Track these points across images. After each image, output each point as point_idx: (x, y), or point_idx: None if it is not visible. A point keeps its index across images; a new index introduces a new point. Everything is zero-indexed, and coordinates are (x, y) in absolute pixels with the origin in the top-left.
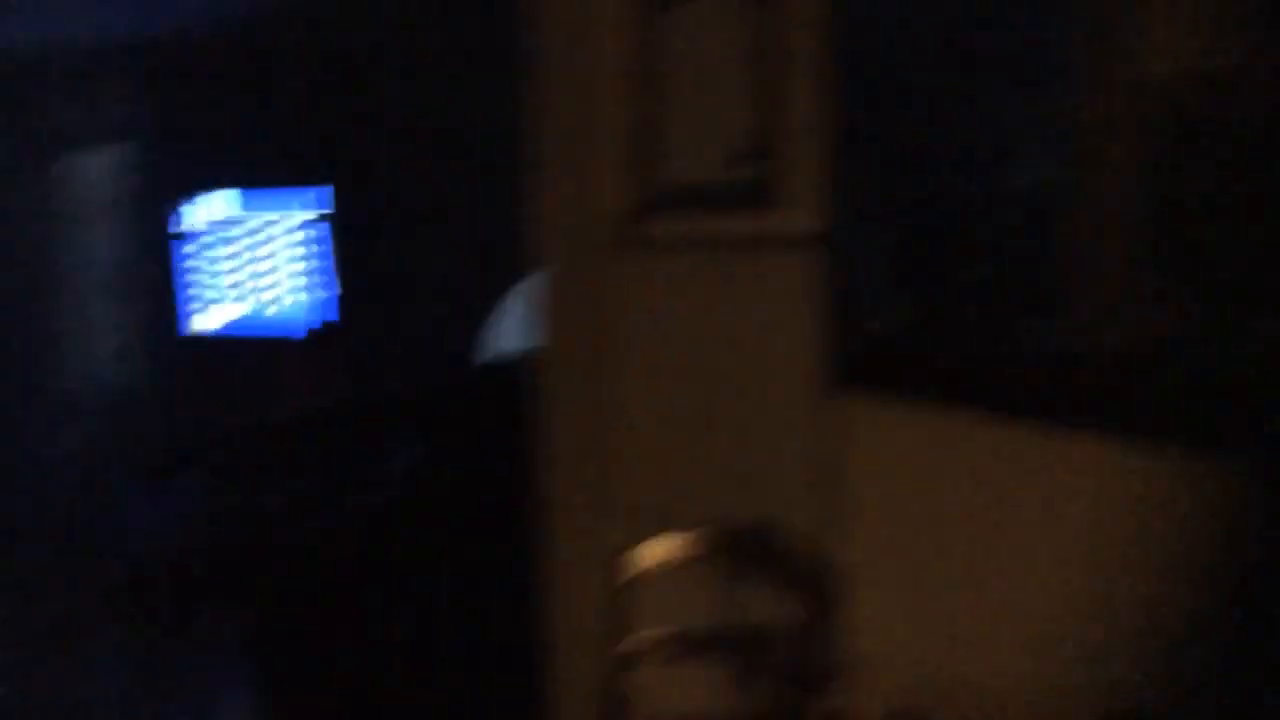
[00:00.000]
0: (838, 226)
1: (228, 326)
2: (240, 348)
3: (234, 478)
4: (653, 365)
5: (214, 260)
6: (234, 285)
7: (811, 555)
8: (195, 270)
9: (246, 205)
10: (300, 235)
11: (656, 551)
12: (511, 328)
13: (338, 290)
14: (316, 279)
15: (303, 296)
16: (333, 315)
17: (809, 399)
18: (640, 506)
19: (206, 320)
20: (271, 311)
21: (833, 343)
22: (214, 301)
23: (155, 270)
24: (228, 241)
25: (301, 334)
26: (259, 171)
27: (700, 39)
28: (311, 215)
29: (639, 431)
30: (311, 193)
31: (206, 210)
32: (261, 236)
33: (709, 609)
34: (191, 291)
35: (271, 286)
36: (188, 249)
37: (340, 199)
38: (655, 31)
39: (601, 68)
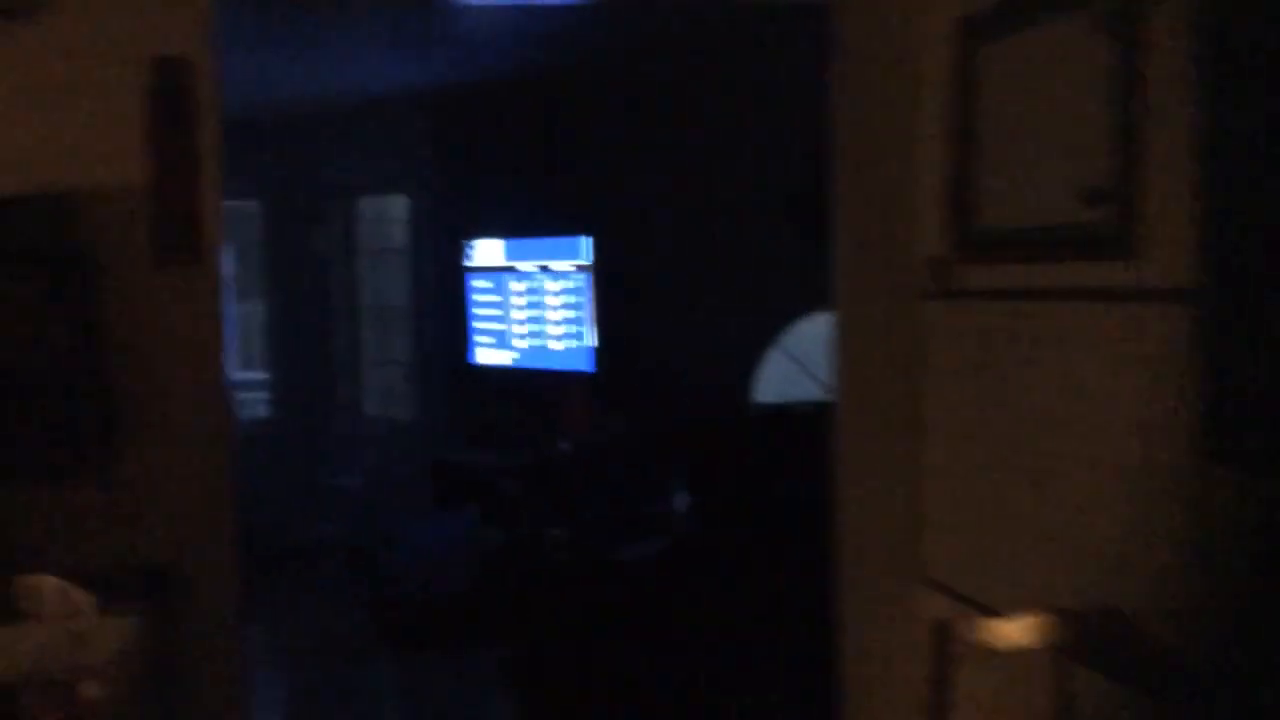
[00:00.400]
0: (1208, 280)
1: (510, 363)
2: (519, 383)
3: (516, 510)
4: (967, 422)
5: (494, 303)
6: (511, 324)
7: (1166, 654)
8: (477, 308)
9: (517, 253)
10: (570, 283)
11: (990, 632)
12: (778, 376)
13: (602, 334)
14: (586, 324)
15: (575, 340)
16: (603, 357)
17: (1166, 471)
18: (950, 576)
19: (490, 356)
20: (549, 349)
21: (1196, 409)
22: (493, 338)
23: (442, 305)
24: (502, 286)
25: (576, 372)
26: (529, 220)
27: (1034, 71)
28: (577, 264)
29: (950, 494)
30: (578, 241)
31: (483, 254)
32: (536, 283)
33: (1035, 702)
34: (476, 326)
35: (545, 329)
36: (473, 287)
37: (603, 248)
38: (978, 62)
39: (917, 105)
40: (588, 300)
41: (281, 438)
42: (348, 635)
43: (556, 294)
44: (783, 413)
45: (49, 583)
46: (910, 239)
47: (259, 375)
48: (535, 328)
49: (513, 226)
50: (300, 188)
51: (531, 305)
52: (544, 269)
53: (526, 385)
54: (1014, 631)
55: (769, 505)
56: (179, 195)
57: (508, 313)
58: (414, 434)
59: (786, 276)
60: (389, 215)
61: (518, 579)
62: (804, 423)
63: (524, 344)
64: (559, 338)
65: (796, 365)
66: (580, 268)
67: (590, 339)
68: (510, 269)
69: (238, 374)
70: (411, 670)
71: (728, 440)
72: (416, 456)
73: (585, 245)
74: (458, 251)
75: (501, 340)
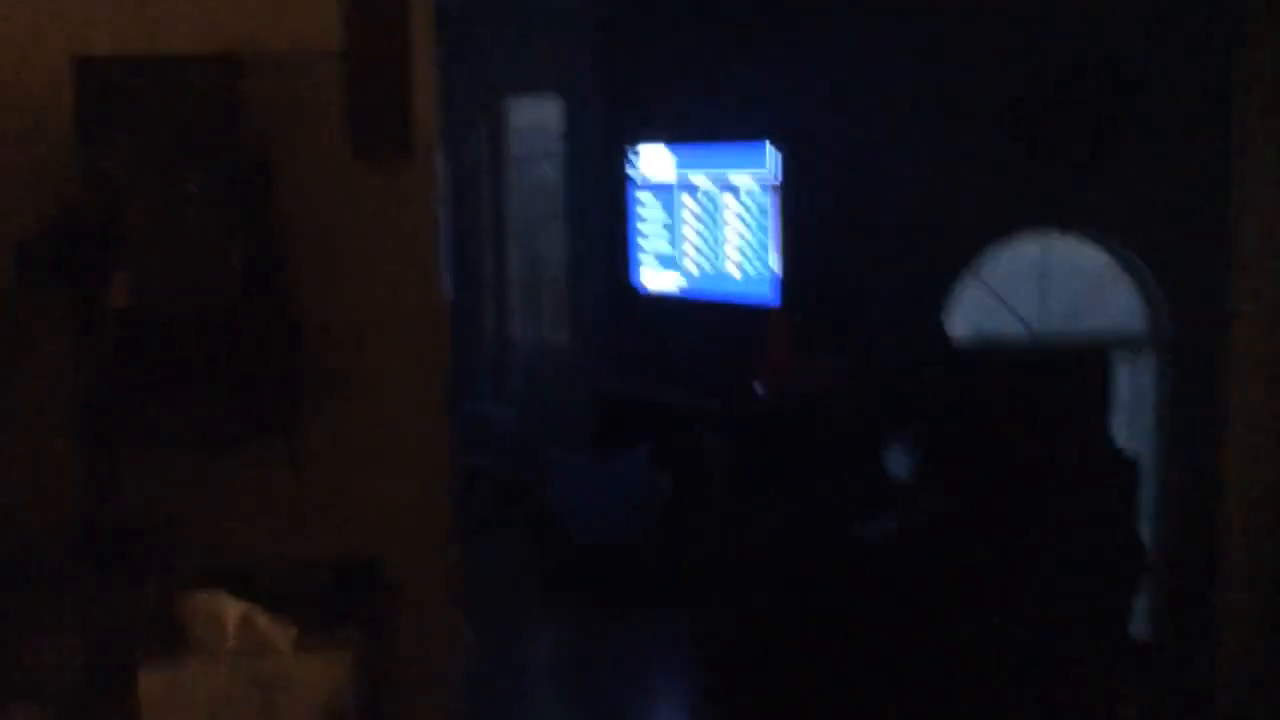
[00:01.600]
0: None
1: (679, 289)
2: (691, 313)
3: (697, 458)
4: None
5: (660, 220)
6: (682, 246)
7: None
8: (644, 226)
9: (690, 162)
10: (753, 202)
11: None
12: (972, 310)
13: (788, 261)
14: (769, 248)
15: (756, 266)
16: (789, 287)
17: None
18: None
19: (656, 279)
20: (725, 274)
21: None
22: (663, 260)
23: (605, 220)
24: (671, 202)
25: (757, 305)
26: (707, 127)
27: None
28: (761, 177)
29: None
30: (762, 150)
31: (650, 163)
32: (711, 200)
33: None
34: (642, 245)
35: (723, 252)
36: (639, 202)
37: (793, 159)
38: None
39: None
40: (772, 220)
41: None
42: (509, 585)
43: (736, 212)
44: (1004, 356)
45: (231, 609)
46: None
47: None
48: (709, 250)
49: (685, 131)
50: (442, 87)
51: (705, 223)
52: (722, 182)
53: (705, 316)
54: None
55: (1024, 470)
56: (385, 67)
57: (677, 231)
58: (569, 362)
59: (992, 197)
60: (541, 118)
61: (708, 539)
62: (1032, 368)
63: (695, 268)
64: (737, 263)
65: (996, 299)
66: (764, 182)
67: (774, 266)
68: (681, 181)
69: None
70: (586, 630)
71: (961, 391)
72: (572, 388)
73: (771, 156)
74: (620, 159)
75: (669, 262)
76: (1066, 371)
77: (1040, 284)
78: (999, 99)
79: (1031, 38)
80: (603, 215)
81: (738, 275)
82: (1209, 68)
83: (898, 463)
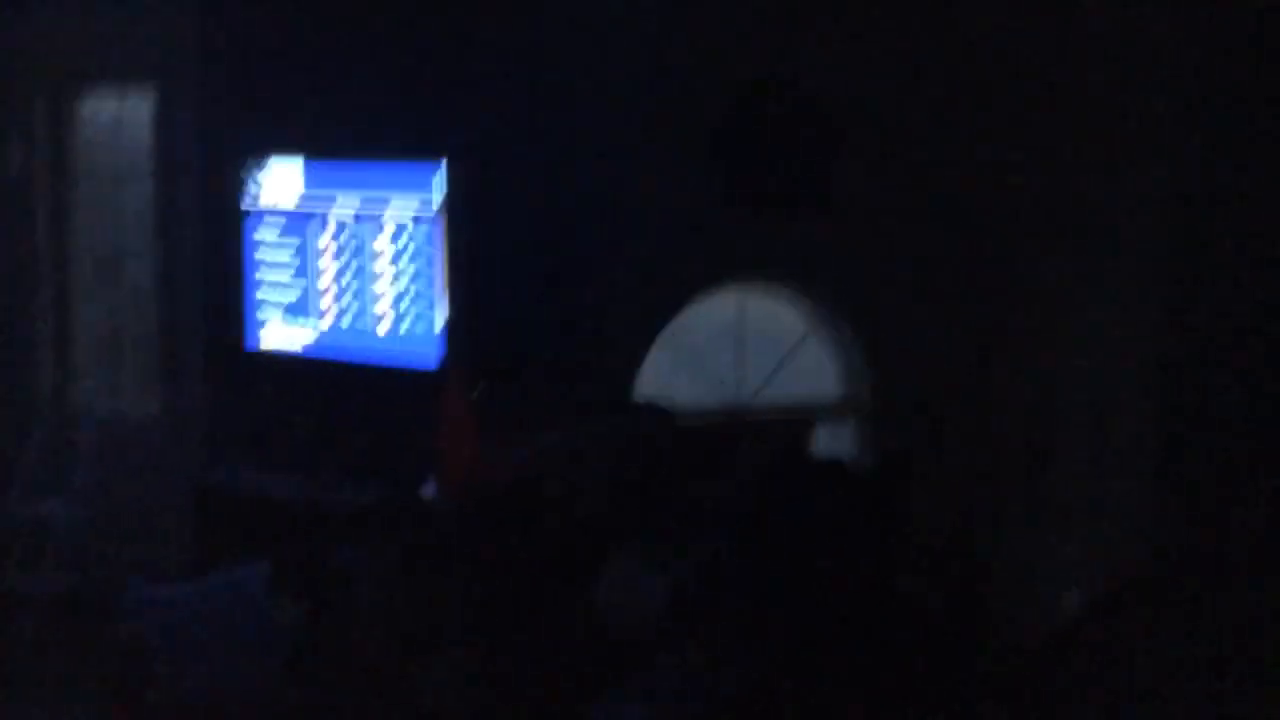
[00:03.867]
0: None
1: (309, 347)
2: (328, 379)
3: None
4: None
5: (288, 258)
6: (317, 292)
7: None
8: (262, 267)
9: (333, 184)
10: (405, 229)
11: None
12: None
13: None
14: (430, 296)
15: (415, 319)
16: (455, 346)
17: None
18: None
19: (279, 335)
20: (371, 332)
21: None
22: (291, 310)
23: (212, 257)
24: (303, 234)
25: (418, 368)
26: (342, 137)
27: None
28: (416, 205)
29: None
30: (429, 173)
31: (275, 184)
32: (357, 234)
33: None
34: (261, 296)
35: (370, 300)
36: (259, 235)
37: (458, 182)
38: None
39: None
40: (438, 259)
41: None
42: None
43: (388, 248)
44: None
45: None
46: None
47: None
48: (353, 298)
49: (324, 144)
50: None
51: (349, 263)
52: (366, 213)
53: (348, 383)
54: None
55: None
56: None
57: (311, 273)
58: (159, 445)
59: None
60: (124, 121)
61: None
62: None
63: (333, 321)
64: (388, 314)
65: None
66: (425, 211)
67: (437, 318)
68: (314, 211)
69: None
70: None
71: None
72: (164, 480)
73: (439, 176)
74: (234, 178)
75: (299, 313)
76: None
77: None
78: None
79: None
80: (209, 250)
81: (384, 330)
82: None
83: (647, 605)
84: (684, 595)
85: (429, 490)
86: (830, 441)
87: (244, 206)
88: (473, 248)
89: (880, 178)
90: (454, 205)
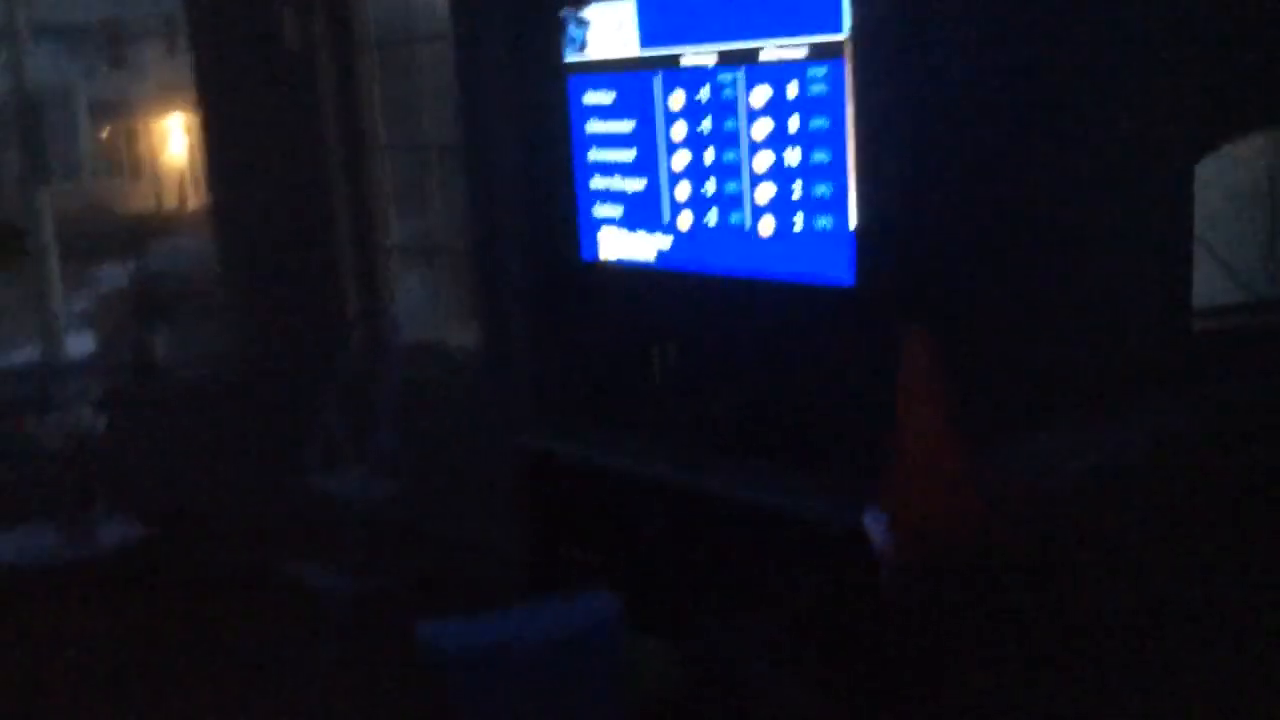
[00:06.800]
0: None
1: (665, 255)
2: (688, 295)
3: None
4: None
5: (621, 134)
6: (665, 177)
7: None
8: (594, 148)
9: (686, 32)
10: (793, 80)
11: None
12: None
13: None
14: (837, 179)
15: (816, 213)
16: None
17: None
18: None
19: (621, 242)
20: (748, 234)
21: None
22: (632, 212)
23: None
24: (648, 104)
25: (823, 284)
26: None
27: None
28: (816, 43)
29: None
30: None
31: (608, 38)
32: (722, 87)
33: None
34: (596, 187)
35: (740, 189)
36: (585, 105)
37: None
38: None
39: None
40: (840, 128)
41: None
42: None
43: (768, 112)
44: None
45: None
46: None
47: None
48: (720, 191)
49: None
50: None
51: (714, 143)
52: (737, 56)
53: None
54: None
55: None
56: None
57: (657, 157)
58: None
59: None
60: None
61: None
62: None
63: (687, 219)
64: (773, 209)
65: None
66: (820, 52)
67: (849, 214)
68: (659, 61)
69: None
70: None
71: None
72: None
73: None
74: (548, 33)
75: (642, 215)
76: None
77: None
78: None
79: None
80: (525, 128)
81: (769, 231)
82: None
83: None
84: None
85: (874, 528)
86: None
87: (565, 64)
88: (902, 104)
89: None
90: (871, 39)
